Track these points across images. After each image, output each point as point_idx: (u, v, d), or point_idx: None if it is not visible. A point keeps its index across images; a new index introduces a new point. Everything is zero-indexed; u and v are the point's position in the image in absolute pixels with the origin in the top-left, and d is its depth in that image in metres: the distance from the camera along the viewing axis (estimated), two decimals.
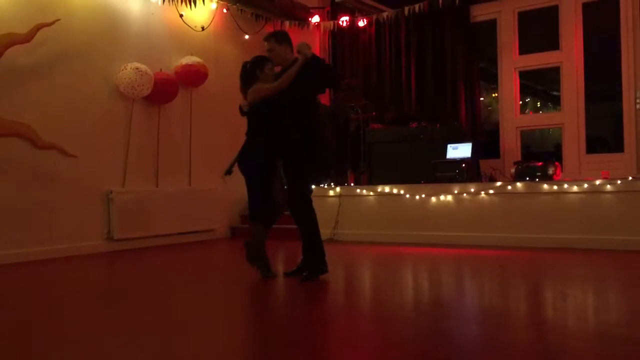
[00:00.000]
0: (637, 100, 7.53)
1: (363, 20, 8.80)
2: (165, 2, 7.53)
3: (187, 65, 7.63)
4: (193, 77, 7.70)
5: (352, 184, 8.10)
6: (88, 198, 6.78)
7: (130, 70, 6.89)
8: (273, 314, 3.80)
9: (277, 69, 4.83)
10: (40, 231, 6.30)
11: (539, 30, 8.56)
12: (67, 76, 6.62)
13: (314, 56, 4.55)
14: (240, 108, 4.86)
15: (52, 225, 6.40)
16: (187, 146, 7.90)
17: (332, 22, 8.99)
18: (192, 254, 6.87)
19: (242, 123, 8.52)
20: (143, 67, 6.97)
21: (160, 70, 7.37)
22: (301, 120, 4.62)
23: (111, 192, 6.94)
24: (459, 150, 7.47)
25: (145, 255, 6.70)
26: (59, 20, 6.38)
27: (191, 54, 7.75)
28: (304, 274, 4.65)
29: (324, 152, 4.80)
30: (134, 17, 7.34)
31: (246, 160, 4.86)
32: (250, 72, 4.69)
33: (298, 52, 4.54)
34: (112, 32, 7.08)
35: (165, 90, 7.37)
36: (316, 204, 8.17)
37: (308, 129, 4.63)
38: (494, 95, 8.94)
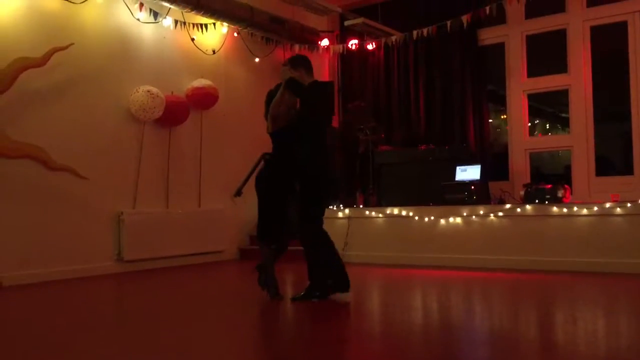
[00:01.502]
0: None
1: (372, 44, 8.87)
2: (177, 26, 7.65)
3: (198, 88, 7.72)
4: (204, 99, 7.78)
5: (361, 206, 8.11)
6: (99, 219, 6.83)
7: (142, 93, 6.99)
8: (282, 337, 3.80)
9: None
10: (51, 252, 6.34)
11: (547, 53, 8.60)
12: (79, 99, 6.72)
13: (288, 81, 4.65)
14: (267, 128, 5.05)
15: (62, 246, 6.44)
16: (197, 168, 7.96)
17: (341, 46, 9.08)
18: (201, 276, 6.89)
19: (252, 145, 8.64)
20: (155, 89, 7.07)
21: (172, 93, 7.46)
22: (303, 143, 4.71)
23: (122, 213, 6.99)
24: (468, 172, 7.48)
25: (155, 276, 6.72)
26: (73, 44, 6.49)
27: (202, 77, 7.85)
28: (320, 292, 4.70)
29: (326, 176, 4.81)
30: (146, 40, 7.46)
31: (259, 179, 5.04)
32: (271, 98, 4.86)
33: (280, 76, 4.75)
34: (124, 56, 7.20)
35: (176, 112, 7.46)
36: (326, 226, 8.20)
37: (309, 153, 4.70)
38: (502, 117, 8.96)
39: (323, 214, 4.75)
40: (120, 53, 7.16)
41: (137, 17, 7.27)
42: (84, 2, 6.73)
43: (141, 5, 7.20)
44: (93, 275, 6.59)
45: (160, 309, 4.81)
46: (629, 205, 6.11)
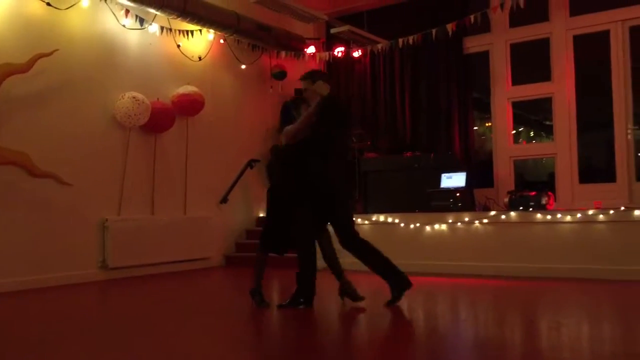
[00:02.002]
0: (629, 130, 7.63)
1: (358, 51, 8.92)
2: (163, 33, 7.64)
3: (183, 95, 7.71)
4: (189, 106, 7.77)
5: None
6: (83, 226, 6.78)
7: (128, 99, 6.96)
8: (266, 345, 3.79)
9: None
10: (34, 259, 6.27)
11: (531, 62, 8.69)
12: (64, 105, 6.67)
13: (329, 96, 4.59)
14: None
15: (46, 253, 6.37)
16: (183, 175, 7.93)
17: (327, 53, 9.11)
18: (186, 283, 6.85)
19: (238, 152, 8.66)
20: (140, 96, 7.04)
21: (157, 99, 7.44)
22: (318, 157, 4.62)
23: (107, 220, 6.94)
24: (453, 180, 7.53)
25: (140, 284, 6.67)
26: (57, 50, 6.46)
27: (188, 84, 7.84)
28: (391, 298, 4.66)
29: (340, 190, 4.75)
30: (132, 47, 7.44)
31: (272, 189, 5.00)
32: (286, 112, 4.89)
33: (315, 91, 4.63)
34: (110, 62, 7.17)
35: (162, 119, 7.43)
36: None
37: (325, 167, 4.62)
38: (487, 124, 9.03)
39: (350, 223, 4.74)
40: (106, 59, 7.13)
41: (122, 24, 7.25)
42: (69, 8, 6.70)
43: (127, 11, 7.19)
44: (77, 283, 6.52)
45: (144, 317, 4.77)
46: (611, 212, 6.18)
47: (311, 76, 4.80)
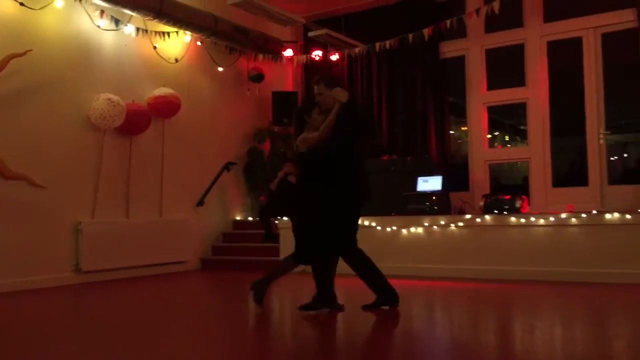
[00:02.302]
0: (601, 135, 7.77)
1: (335, 55, 8.94)
2: (138, 34, 7.57)
3: (159, 97, 7.64)
4: (165, 108, 7.71)
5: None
6: (56, 229, 6.67)
7: (102, 101, 6.88)
8: (243, 349, 3.77)
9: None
10: (5, 263, 6.16)
11: (506, 67, 8.80)
12: (38, 106, 6.57)
13: (349, 102, 4.48)
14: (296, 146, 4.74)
15: (18, 257, 6.26)
16: (159, 177, 7.86)
17: (305, 56, 9.11)
18: (161, 287, 6.79)
19: (215, 154, 8.61)
20: (115, 98, 6.97)
21: (133, 101, 7.37)
22: (339, 168, 4.50)
23: (80, 223, 6.85)
24: (430, 183, 7.58)
25: (114, 287, 6.60)
26: (31, 50, 6.36)
27: (164, 86, 7.78)
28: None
29: (363, 200, 4.69)
30: (107, 48, 7.36)
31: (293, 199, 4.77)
32: (299, 117, 4.66)
33: (334, 98, 4.49)
34: (84, 63, 7.08)
35: (137, 121, 7.36)
36: (288, 236, 8.18)
37: (346, 178, 4.51)
38: (463, 128, 9.12)
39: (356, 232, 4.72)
40: (80, 60, 7.04)
41: (97, 24, 7.17)
42: (42, 8, 6.60)
43: (102, 12, 7.11)
44: (49, 287, 6.42)
45: (117, 321, 4.72)
46: (583, 215, 6.29)
47: (326, 80, 4.65)
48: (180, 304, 5.68)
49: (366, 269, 4.68)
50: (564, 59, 8.27)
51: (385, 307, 4.67)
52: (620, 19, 7.62)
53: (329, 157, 4.46)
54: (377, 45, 8.27)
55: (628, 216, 6.08)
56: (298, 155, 4.68)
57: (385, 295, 4.66)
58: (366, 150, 4.83)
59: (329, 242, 4.55)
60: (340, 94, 4.45)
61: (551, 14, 8.10)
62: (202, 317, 4.89)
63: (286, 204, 8.33)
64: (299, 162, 4.71)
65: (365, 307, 4.67)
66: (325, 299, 4.67)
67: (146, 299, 5.96)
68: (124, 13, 7.24)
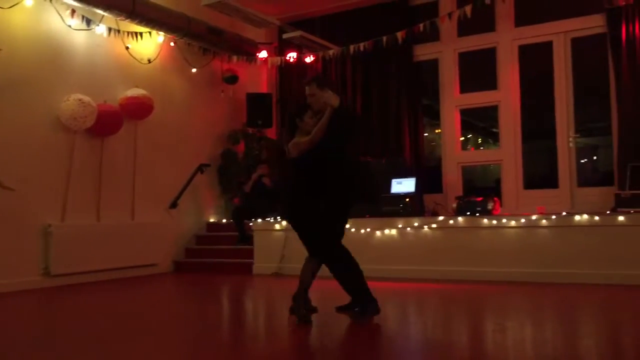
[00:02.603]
0: (571, 138, 7.90)
1: (310, 57, 8.94)
2: (111, 34, 7.47)
3: (132, 98, 7.56)
4: (138, 109, 7.63)
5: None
6: (25, 232, 6.55)
7: (73, 101, 6.78)
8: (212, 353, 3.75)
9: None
10: None
11: (478, 70, 8.90)
12: (6, 106, 6.44)
13: (340, 106, 4.42)
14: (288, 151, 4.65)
15: None
16: (131, 179, 7.77)
17: (279, 58, 9.10)
18: (131, 290, 6.70)
19: (189, 156, 8.54)
20: (86, 98, 6.87)
21: (105, 102, 7.27)
22: (331, 170, 4.44)
23: (50, 226, 6.73)
24: (403, 185, 7.63)
25: (84, 291, 6.49)
26: (0, 50, 6.23)
27: (137, 86, 7.69)
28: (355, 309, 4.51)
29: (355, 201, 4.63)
30: (78, 48, 7.25)
31: (290, 205, 4.62)
32: (291, 122, 4.59)
33: (325, 102, 4.42)
34: (55, 63, 6.97)
35: (109, 122, 7.27)
36: (262, 238, 8.18)
37: (338, 180, 4.45)
38: (437, 131, 9.19)
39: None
40: (51, 60, 6.93)
41: (68, 24, 7.06)
42: (12, 7, 6.48)
43: (73, 11, 7.01)
44: (17, 291, 6.29)
45: (87, 326, 4.64)
46: (553, 217, 6.38)
47: (318, 81, 4.58)
48: (150, 307, 5.61)
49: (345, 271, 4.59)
50: (535, 63, 8.39)
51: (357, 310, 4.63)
52: (589, 24, 7.78)
53: (320, 160, 4.41)
54: (352, 47, 8.30)
55: (596, 218, 6.19)
56: (291, 160, 4.59)
57: (364, 304, 4.48)
58: (359, 152, 4.75)
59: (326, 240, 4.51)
60: (332, 98, 4.40)
61: (522, 19, 8.22)
62: (170, 320, 4.84)
63: (266, 206, 8.32)
64: (292, 167, 4.63)
65: (339, 309, 4.66)
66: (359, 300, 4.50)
67: (115, 303, 5.88)
68: (96, 13, 7.15)
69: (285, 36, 8.74)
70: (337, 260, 4.54)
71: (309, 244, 4.54)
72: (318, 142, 4.39)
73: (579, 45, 7.94)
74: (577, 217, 6.28)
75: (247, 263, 7.92)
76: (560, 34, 7.97)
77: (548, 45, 8.06)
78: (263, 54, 9.16)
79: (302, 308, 4.43)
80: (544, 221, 6.39)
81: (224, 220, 8.96)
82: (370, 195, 4.75)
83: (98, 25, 7.34)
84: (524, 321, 4.56)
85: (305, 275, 4.50)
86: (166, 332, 4.37)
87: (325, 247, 4.51)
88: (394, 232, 7.13)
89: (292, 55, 8.96)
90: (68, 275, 6.83)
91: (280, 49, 9.54)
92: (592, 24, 7.75)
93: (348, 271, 4.55)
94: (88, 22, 7.21)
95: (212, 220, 9.04)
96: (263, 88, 9.90)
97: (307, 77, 4.80)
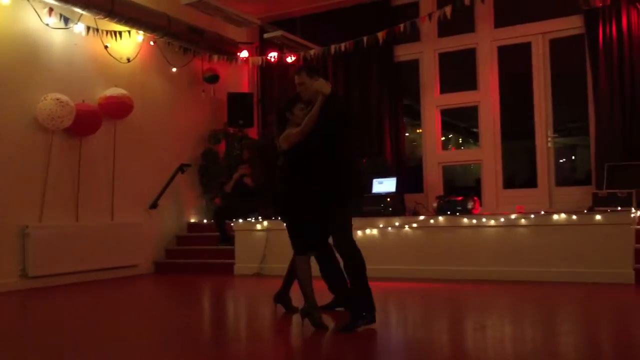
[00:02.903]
0: (549, 138, 7.99)
1: (291, 57, 8.93)
2: (89, 33, 7.39)
3: (111, 97, 7.48)
4: (117, 109, 7.55)
5: (279, 218, 8.10)
6: (2, 233, 6.45)
7: (51, 101, 6.69)
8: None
9: None
10: None
11: (458, 71, 8.96)
12: None
13: (332, 93, 4.24)
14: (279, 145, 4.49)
15: None
16: (110, 179, 7.69)
17: (260, 58, 9.07)
18: (110, 292, 6.64)
19: (169, 156, 8.48)
20: (64, 98, 6.79)
21: (83, 101, 7.19)
22: (327, 163, 4.25)
23: (27, 227, 6.63)
24: (384, 185, 7.65)
25: (62, 293, 6.42)
26: None
27: (116, 86, 7.62)
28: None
29: (355, 195, 4.41)
30: (55, 47, 7.16)
31: (282, 202, 4.44)
32: (280, 116, 4.45)
33: (316, 90, 4.24)
34: (32, 62, 6.87)
35: (88, 122, 7.19)
36: (243, 238, 8.15)
37: (335, 173, 4.25)
38: (418, 131, 9.24)
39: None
40: (28, 59, 6.83)
41: (46, 23, 6.97)
42: None
43: (50, 10, 6.92)
44: None
45: (64, 328, 4.59)
46: (532, 216, 6.45)
47: (308, 70, 4.42)
48: (128, 309, 5.56)
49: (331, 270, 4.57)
50: (514, 63, 8.47)
51: (340, 309, 4.66)
52: (567, 25, 7.87)
53: (311, 150, 4.22)
54: (333, 47, 8.31)
55: (574, 217, 6.26)
56: (281, 154, 4.43)
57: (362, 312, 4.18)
58: (354, 145, 4.57)
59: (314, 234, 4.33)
60: (324, 86, 4.22)
61: (501, 20, 8.29)
62: (149, 322, 4.80)
63: (247, 206, 8.28)
64: (283, 160, 4.45)
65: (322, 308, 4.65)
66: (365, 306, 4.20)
67: (94, 305, 5.82)
68: (74, 11, 7.07)
69: (266, 36, 8.72)
70: (353, 256, 4.24)
71: (316, 237, 4.32)
72: (309, 133, 4.20)
73: (557, 46, 8.04)
74: (555, 216, 6.35)
75: (228, 263, 7.89)
76: (538, 35, 8.05)
77: (527, 46, 8.15)
78: (244, 54, 9.13)
79: (316, 313, 4.14)
80: (522, 220, 6.45)
81: (205, 221, 8.91)
82: (360, 190, 4.61)
83: (76, 23, 7.26)
84: (504, 319, 4.60)
85: (306, 274, 4.24)
86: (144, 334, 4.33)
87: (346, 239, 4.23)
88: (375, 231, 7.14)
89: (273, 55, 8.94)
90: (46, 277, 6.74)
91: (261, 48, 9.51)
92: (570, 25, 7.84)
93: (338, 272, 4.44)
94: (66, 20, 7.12)
95: (192, 220, 8.99)
96: (244, 88, 9.87)
97: (297, 66, 4.56)
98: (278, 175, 4.53)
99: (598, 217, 6.16)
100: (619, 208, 6.39)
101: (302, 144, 4.26)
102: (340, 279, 4.58)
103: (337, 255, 4.43)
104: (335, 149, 4.30)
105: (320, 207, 4.23)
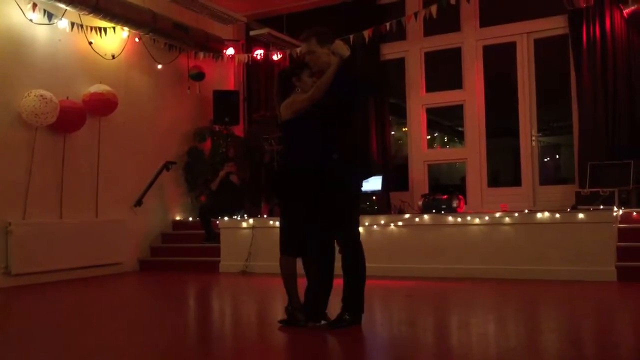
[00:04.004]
0: (533, 137, 8.06)
1: (277, 54, 8.92)
2: (73, 29, 7.33)
3: (95, 94, 7.42)
4: (102, 105, 7.49)
5: (265, 216, 8.10)
6: None
7: (34, 97, 6.62)
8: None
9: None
10: None
11: (444, 70, 9.01)
12: None
13: (351, 57, 3.75)
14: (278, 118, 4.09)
15: None
16: (95, 176, 7.63)
17: (246, 55, 9.06)
18: (94, 289, 6.60)
19: (154, 153, 8.43)
20: (48, 94, 6.72)
21: (67, 98, 7.12)
22: (340, 137, 3.81)
23: (10, 224, 6.56)
24: (370, 183, 7.66)
25: (46, 291, 6.36)
26: None
27: (100, 82, 7.56)
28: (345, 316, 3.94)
29: (369, 172, 4.05)
30: (39, 42, 7.08)
31: (280, 180, 4.07)
32: (286, 81, 3.94)
33: (333, 52, 3.76)
34: (15, 58, 6.80)
35: (72, 118, 7.13)
36: (228, 236, 8.13)
37: (349, 149, 3.83)
38: (404, 129, 9.27)
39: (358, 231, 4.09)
40: (11, 55, 6.76)
41: (29, 18, 6.90)
42: None
43: (34, 5, 6.85)
44: None
45: (46, 327, 4.55)
46: (516, 214, 6.50)
47: (319, 37, 3.82)
48: (112, 307, 5.52)
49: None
50: (499, 62, 8.53)
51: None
52: (552, 25, 7.95)
53: (321, 124, 3.75)
54: None
55: (557, 215, 6.32)
56: (282, 124, 3.96)
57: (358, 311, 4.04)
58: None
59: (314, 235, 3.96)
60: (342, 48, 3.69)
61: (487, 19, 8.35)
62: (133, 320, 4.78)
63: (233, 203, 8.26)
64: (283, 133, 4.00)
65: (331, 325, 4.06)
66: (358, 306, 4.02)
67: (77, 303, 5.78)
68: (58, 7, 6.99)
69: (252, 33, 8.70)
70: (359, 255, 3.99)
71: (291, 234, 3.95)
72: (320, 102, 3.68)
73: (542, 46, 8.11)
74: (539, 215, 6.41)
75: (213, 261, 7.87)
76: (523, 35, 8.12)
77: (512, 46, 8.21)
78: (230, 51, 9.10)
79: (299, 314, 3.97)
80: (507, 219, 6.50)
81: (190, 219, 8.88)
82: (372, 170, 4.23)
83: (60, 19, 7.19)
84: (488, 317, 4.63)
85: (291, 274, 4.01)
86: (128, 332, 4.31)
87: (353, 233, 3.94)
88: (360, 230, 7.11)
89: (259, 53, 8.93)
90: (29, 274, 6.68)
91: (247, 46, 9.49)
92: (555, 25, 7.92)
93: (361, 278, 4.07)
94: (50, 16, 7.05)
95: (178, 218, 8.95)
96: (230, 85, 9.84)
97: (304, 32, 3.93)
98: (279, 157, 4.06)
99: (581, 215, 6.23)
100: (602, 207, 6.47)
101: (307, 115, 3.80)
102: (325, 290, 4.10)
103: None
104: (349, 122, 3.84)
105: (326, 192, 3.78)
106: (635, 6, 7.07)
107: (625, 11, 7.18)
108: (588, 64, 7.48)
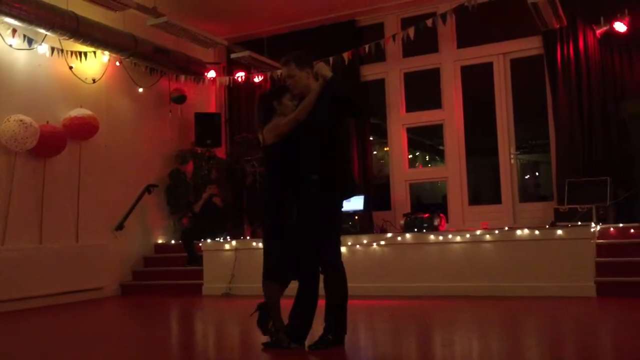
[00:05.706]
0: (512, 155, 8.17)
1: (258, 77, 8.98)
2: (53, 54, 7.33)
3: (76, 118, 7.41)
4: (82, 129, 7.47)
5: (248, 237, 8.09)
6: None
7: (14, 122, 6.59)
8: None
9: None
10: None
11: (423, 90, 9.13)
12: None
13: (333, 78, 3.82)
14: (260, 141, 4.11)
15: None
16: (75, 201, 7.58)
17: (228, 77, 9.10)
18: (74, 315, 6.51)
19: (136, 177, 8.40)
20: (28, 119, 6.70)
21: (47, 122, 7.10)
22: (320, 157, 3.86)
23: None
24: (352, 203, 7.70)
25: (25, 318, 6.26)
26: None
27: (81, 106, 7.55)
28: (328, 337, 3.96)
29: (349, 192, 4.07)
30: (19, 68, 7.07)
31: (261, 205, 4.10)
32: (267, 104, 4.00)
33: (316, 74, 3.86)
34: None
35: (52, 143, 7.10)
36: (211, 258, 8.10)
37: (330, 169, 3.86)
38: (386, 149, 9.34)
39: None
40: None
41: (9, 44, 6.89)
42: None
43: (14, 31, 6.85)
44: None
45: (25, 354, 4.48)
46: (496, 232, 6.57)
47: (297, 61, 3.91)
48: (93, 332, 5.46)
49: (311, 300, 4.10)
50: (477, 82, 8.67)
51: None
52: (527, 46, 8.12)
53: (302, 144, 3.78)
54: None
55: (537, 232, 6.40)
56: (264, 148, 3.99)
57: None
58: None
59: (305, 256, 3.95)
60: (325, 69, 3.79)
61: (464, 40, 8.50)
62: (115, 345, 4.73)
63: (216, 226, 8.23)
64: (264, 156, 4.04)
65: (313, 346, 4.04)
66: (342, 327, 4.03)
67: (57, 328, 5.70)
68: (38, 32, 7.00)
69: (233, 56, 8.75)
70: (341, 276, 3.99)
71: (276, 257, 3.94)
72: (303, 123, 3.72)
73: (518, 66, 8.26)
74: (518, 232, 6.48)
75: (196, 284, 7.82)
76: (500, 55, 8.27)
77: (489, 66, 8.35)
78: (211, 74, 9.14)
79: (282, 336, 3.95)
80: (487, 236, 6.56)
81: (173, 242, 8.83)
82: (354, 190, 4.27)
83: (40, 44, 7.19)
84: (471, 335, 4.66)
85: (276, 299, 4.01)
86: (109, 358, 4.26)
87: (336, 254, 3.97)
88: (343, 249, 7.14)
89: (240, 75, 8.98)
90: (8, 301, 6.57)
91: (228, 68, 9.55)
92: (530, 45, 8.09)
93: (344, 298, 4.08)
94: (30, 41, 7.05)
95: (160, 241, 8.89)
96: (212, 108, 9.87)
97: (284, 56, 4.02)
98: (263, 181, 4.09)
99: (559, 232, 6.31)
100: (579, 223, 6.57)
101: (289, 138, 3.82)
102: (310, 312, 4.07)
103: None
104: (332, 143, 3.87)
105: (306, 212, 3.82)
106: (607, 27, 7.25)
107: (598, 31, 7.36)
108: (563, 82, 7.64)
